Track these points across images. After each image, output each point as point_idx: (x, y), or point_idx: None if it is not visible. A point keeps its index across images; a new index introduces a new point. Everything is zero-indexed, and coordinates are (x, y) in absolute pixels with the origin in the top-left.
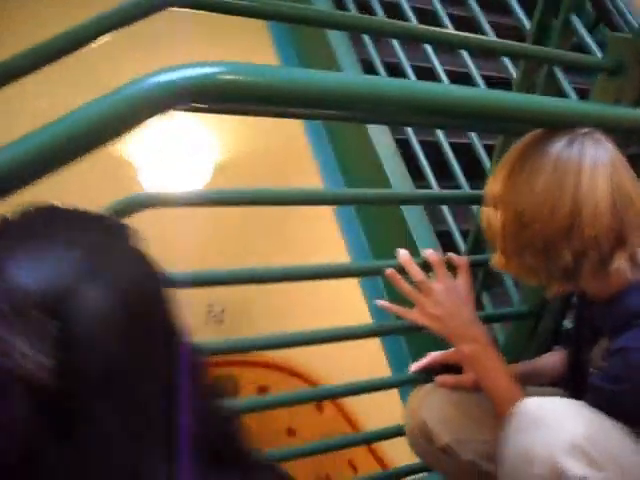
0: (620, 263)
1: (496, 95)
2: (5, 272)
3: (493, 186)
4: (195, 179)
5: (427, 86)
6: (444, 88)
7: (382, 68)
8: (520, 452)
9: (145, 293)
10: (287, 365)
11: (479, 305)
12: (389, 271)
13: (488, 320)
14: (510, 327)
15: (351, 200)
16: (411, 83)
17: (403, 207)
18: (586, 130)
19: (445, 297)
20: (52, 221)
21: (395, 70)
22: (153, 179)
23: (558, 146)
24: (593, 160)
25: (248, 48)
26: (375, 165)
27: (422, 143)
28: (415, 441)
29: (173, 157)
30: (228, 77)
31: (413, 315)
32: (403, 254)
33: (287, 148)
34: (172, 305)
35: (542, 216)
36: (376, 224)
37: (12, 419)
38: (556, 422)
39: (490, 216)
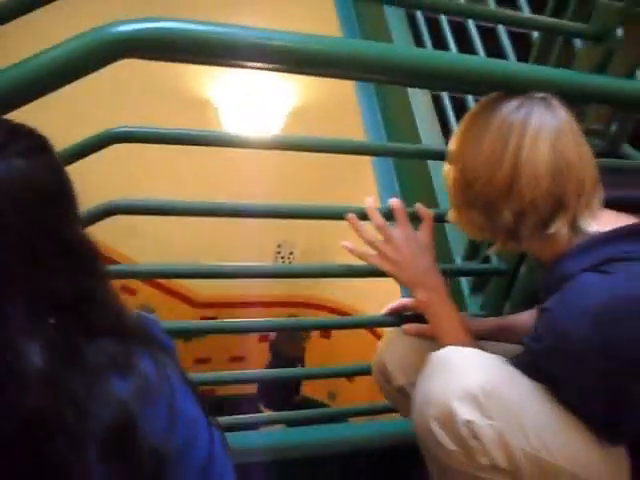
0: (558, 227)
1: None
2: None
3: (450, 143)
4: (270, 123)
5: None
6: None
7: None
8: (422, 395)
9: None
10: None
11: None
12: (350, 216)
13: (466, 274)
14: (489, 284)
15: (385, 152)
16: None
17: (430, 162)
18: (542, 95)
19: (404, 244)
20: None
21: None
22: (233, 121)
23: (507, 108)
24: (538, 124)
25: None
26: (410, 121)
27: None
28: (377, 379)
29: (252, 101)
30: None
31: (374, 260)
32: (368, 202)
33: (343, 101)
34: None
35: (484, 175)
36: (408, 176)
37: None
38: (457, 370)
39: (447, 171)
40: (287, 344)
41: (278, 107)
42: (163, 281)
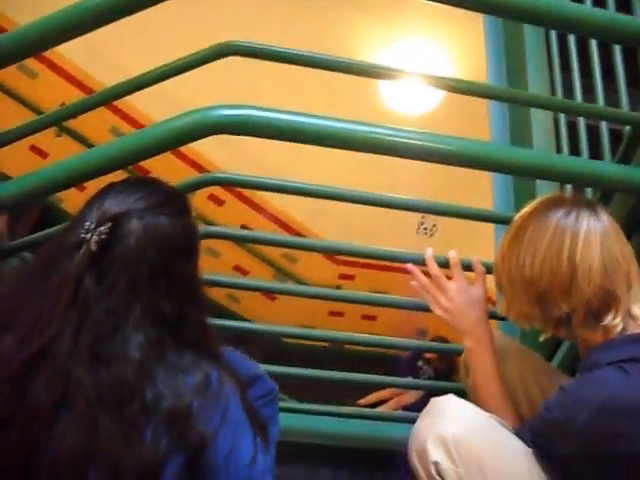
0: (610, 319)
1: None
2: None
3: (501, 247)
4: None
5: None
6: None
7: None
8: (414, 429)
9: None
10: None
11: None
12: (408, 266)
13: None
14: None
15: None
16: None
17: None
18: (587, 200)
19: (456, 295)
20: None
21: None
22: (391, 94)
23: (558, 214)
24: (587, 228)
25: None
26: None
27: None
28: None
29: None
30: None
31: (429, 299)
32: (428, 251)
33: None
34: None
35: (546, 274)
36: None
37: None
38: (441, 417)
39: (498, 269)
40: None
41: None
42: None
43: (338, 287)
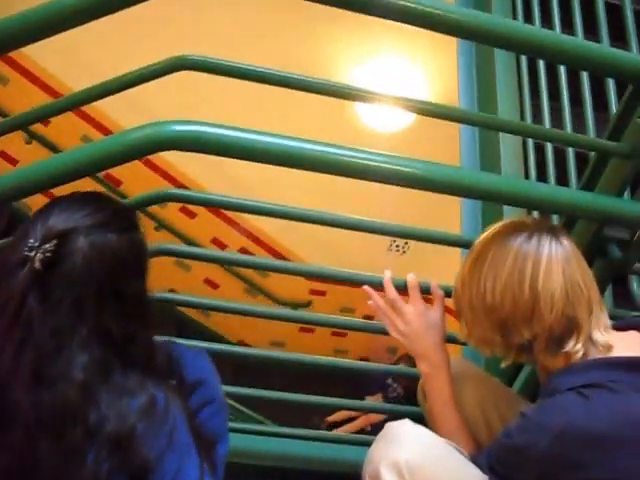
0: (571, 345)
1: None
2: None
3: (461, 271)
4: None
5: None
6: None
7: None
8: (368, 453)
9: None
10: None
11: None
12: (365, 287)
13: None
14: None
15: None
16: None
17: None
18: (549, 225)
19: (414, 319)
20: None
21: None
22: (366, 110)
23: (519, 239)
24: (549, 254)
25: None
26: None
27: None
28: None
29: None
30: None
31: (386, 322)
32: (386, 274)
33: None
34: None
35: (508, 301)
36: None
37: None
38: (395, 441)
39: (459, 294)
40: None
41: None
42: (280, 248)
43: (309, 302)
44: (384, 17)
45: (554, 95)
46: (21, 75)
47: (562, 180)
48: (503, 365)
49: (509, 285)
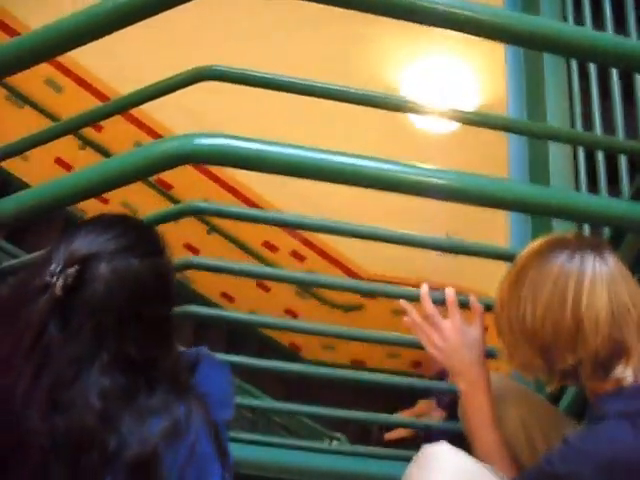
0: (620, 371)
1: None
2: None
3: (500, 292)
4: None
5: None
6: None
7: None
8: (404, 477)
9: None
10: None
11: None
12: (402, 302)
13: None
14: None
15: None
16: None
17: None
18: (592, 242)
19: (451, 335)
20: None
21: None
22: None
23: (561, 258)
24: (592, 272)
25: None
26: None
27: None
28: None
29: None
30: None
31: (422, 338)
32: (423, 288)
33: None
34: None
35: (549, 325)
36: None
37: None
38: (429, 469)
39: (498, 314)
40: None
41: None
42: (331, 251)
43: (361, 305)
44: (426, 24)
45: (605, 99)
46: (75, 83)
47: (613, 188)
48: (548, 390)
49: (550, 309)
